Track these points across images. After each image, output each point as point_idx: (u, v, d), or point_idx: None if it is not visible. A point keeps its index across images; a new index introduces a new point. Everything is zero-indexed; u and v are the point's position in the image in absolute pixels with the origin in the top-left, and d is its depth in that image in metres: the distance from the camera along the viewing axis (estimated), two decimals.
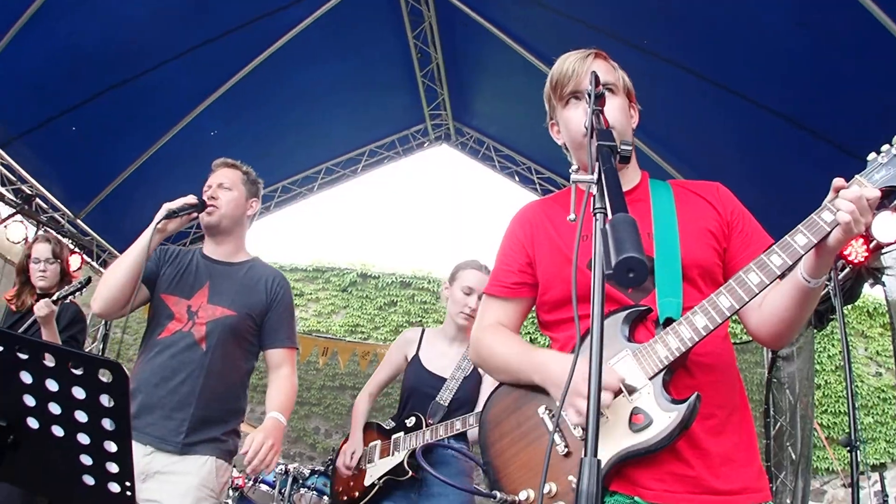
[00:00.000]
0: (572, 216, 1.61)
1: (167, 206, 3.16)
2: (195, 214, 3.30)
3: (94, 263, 8.46)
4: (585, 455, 1.27)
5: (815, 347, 9.54)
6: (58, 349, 1.61)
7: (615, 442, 1.83)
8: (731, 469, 1.91)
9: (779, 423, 7.99)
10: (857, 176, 1.80)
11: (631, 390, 1.85)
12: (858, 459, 5.03)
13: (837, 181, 1.77)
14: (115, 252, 8.66)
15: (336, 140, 9.21)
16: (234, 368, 3.34)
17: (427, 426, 3.93)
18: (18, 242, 6.87)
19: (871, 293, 10.67)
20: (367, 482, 4.03)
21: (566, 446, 1.92)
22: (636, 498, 1.88)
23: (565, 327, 2.15)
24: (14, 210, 5.40)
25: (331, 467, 6.96)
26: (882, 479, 6.22)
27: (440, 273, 14.41)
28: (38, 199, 7.27)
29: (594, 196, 1.46)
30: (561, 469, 1.90)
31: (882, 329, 12.49)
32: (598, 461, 1.26)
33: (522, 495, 1.96)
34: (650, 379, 1.86)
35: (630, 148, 1.55)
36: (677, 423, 1.78)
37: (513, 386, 2.16)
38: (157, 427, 3.05)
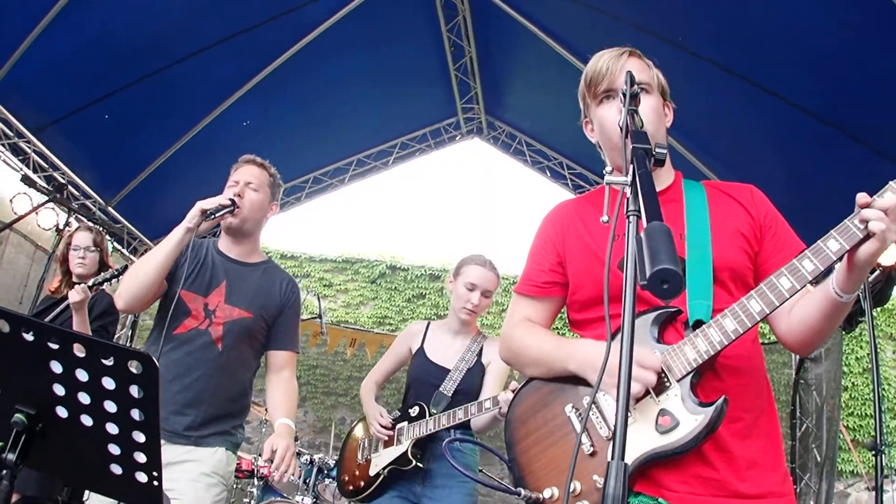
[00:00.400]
0: (605, 217, 1.60)
1: (201, 206, 3.15)
2: (228, 217, 3.30)
3: (124, 251, 8.55)
4: (613, 458, 1.26)
5: (843, 349, 9.41)
6: (88, 339, 1.63)
7: (641, 443, 1.82)
8: (757, 473, 1.89)
9: (805, 425, 7.92)
10: (891, 182, 1.75)
11: (663, 386, 1.84)
12: (884, 463, 4.96)
13: (861, 197, 1.72)
14: (146, 240, 8.76)
15: (368, 132, 9.22)
16: (246, 368, 3.41)
17: (430, 416, 3.94)
18: (49, 229, 6.95)
19: None
20: (372, 472, 4.06)
21: (592, 445, 1.92)
22: (660, 499, 1.87)
23: (595, 326, 2.15)
24: (47, 198, 5.46)
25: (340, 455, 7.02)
26: None
27: None
28: (69, 187, 7.35)
29: (627, 198, 1.45)
30: (586, 468, 1.89)
31: None
32: (626, 465, 1.26)
33: (547, 493, 1.96)
34: (678, 381, 1.85)
35: (665, 151, 1.54)
36: (704, 425, 1.77)
37: (541, 382, 2.17)
38: (169, 422, 3.07)
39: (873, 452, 4.91)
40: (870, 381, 11.79)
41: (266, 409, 8.06)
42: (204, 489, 3.11)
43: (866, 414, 11.69)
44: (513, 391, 3.54)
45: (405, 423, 4.05)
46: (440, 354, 4.14)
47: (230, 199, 3.27)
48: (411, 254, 14.84)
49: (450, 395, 3.98)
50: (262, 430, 8.56)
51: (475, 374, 4.05)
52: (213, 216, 3.18)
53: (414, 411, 4.03)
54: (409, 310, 13.64)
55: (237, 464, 6.85)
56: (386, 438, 4.10)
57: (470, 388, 3.99)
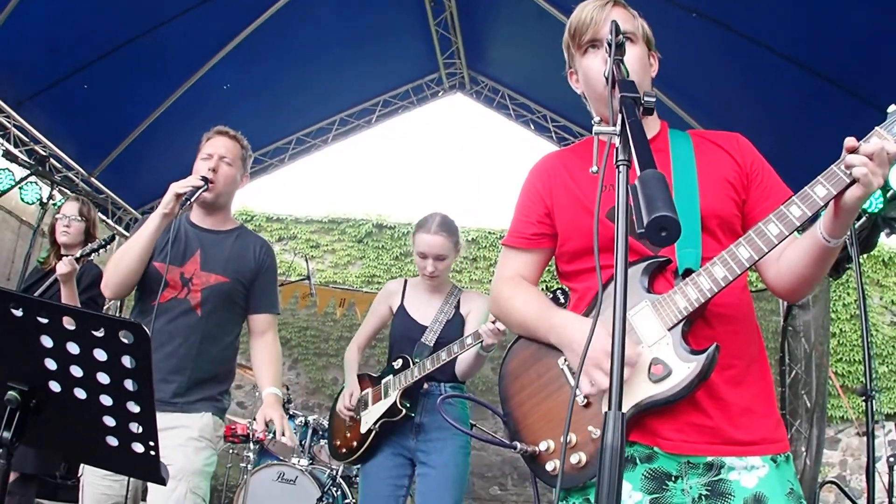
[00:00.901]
0: (595, 168, 1.59)
1: (175, 190, 3.19)
2: (204, 196, 3.33)
3: (109, 221, 8.49)
4: (610, 409, 1.27)
5: (830, 296, 9.47)
6: (78, 312, 1.62)
7: (635, 392, 1.83)
8: (750, 420, 1.91)
9: (794, 372, 7.99)
10: (877, 128, 1.76)
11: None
12: (874, 409, 5.01)
13: (849, 141, 1.73)
14: (130, 209, 8.69)
15: (350, 91, 9.12)
16: (227, 332, 3.46)
17: (414, 364, 4.00)
18: (34, 203, 6.89)
19: (886, 242, 10.57)
20: (363, 429, 4.09)
21: (585, 397, 1.92)
22: (655, 448, 1.89)
23: (584, 277, 2.15)
24: (28, 171, 5.41)
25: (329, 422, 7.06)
26: None
27: (457, 222, 14.25)
28: (51, 160, 7.26)
29: (616, 148, 1.44)
30: (581, 419, 1.91)
31: None
32: (623, 415, 1.26)
33: (542, 446, 1.98)
34: (669, 330, 1.86)
35: (654, 100, 1.52)
36: (696, 373, 1.78)
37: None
38: (156, 391, 3.10)
39: (863, 398, 4.96)
40: (857, 328, 11.89)
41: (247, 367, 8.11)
42: (193, 452, 3.16)
43: (855, 360, 11.79)
44: (492, 322, 3.60)
45: (390, 377, 4.10)
46: (420, 311, 4.21)
47: (203, 178, 3.31)
48: (398, 212, 14.78)
49: (431, 345, 4.05)
50: (256, 395, 8.60)
51: (455, 325, 4.13)
52: (188, 200, 3.22)
53: (398, 364, 4.09)
54: (398, 268, 13.62)
55: (233, 429, 6.89)
56: (349, 416, 4.16)
57: (451, 337, 4.02)
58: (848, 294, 12.10)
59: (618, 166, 1.39)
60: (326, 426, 6.79)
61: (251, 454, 6.43)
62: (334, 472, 6.29)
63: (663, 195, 1.21)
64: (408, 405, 3.98)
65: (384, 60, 8.84)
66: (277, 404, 3.31)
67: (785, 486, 1.89)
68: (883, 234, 6.06)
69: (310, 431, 6.70)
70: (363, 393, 4.21)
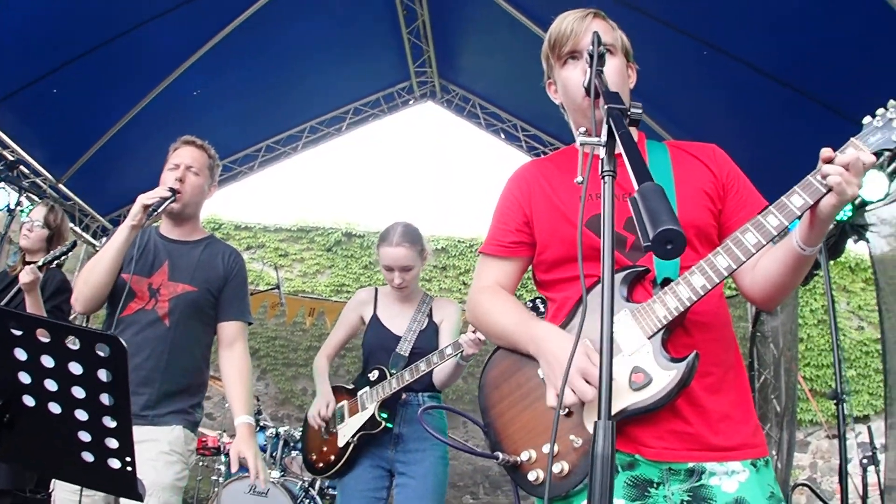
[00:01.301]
0: (580, 178, 1.60)
1: (142, 202, 3.16)
2: (171, 206, 3.31)
3: (77, 228, 8.36)
4: (599, 418, 1.27)
5: (798, 301, 9.61)
6: (53, 324, 1.58)
7: (616, 400, 1.83)
8: (729, 426, 1.94)
9: (763, 377, 8.07)
10: (852, 139, 1.80)
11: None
12: (845, 412, 5.09)
13: (825, 152, 1.76)
14: (98, 217, 8.57)
15: (320, 98, 9.08)
16: (197, 343, 3.42)
17: (391, 375, 3.96)
18: (1, 210, 6.78)
19: (852, 249, 10.74)
20: (340, 443, 4.03)
21: (566, 406, 1.92)
22: (637, 456, 1.90)
23: (563, 287, 2.16)
24: None
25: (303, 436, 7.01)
26: (870, 430, 6.31)
27: (426, 232, 14.20)
28: (20, 166, 7.13)
29: (602, 158, 1.44)
30: (562, 429, 1.91)
31: (864, 284, 12.59)
32: (613, 423, 1.26)
33: (524, 455, 1.97)
34: (649, 338, 1.87)
35: (640, 111, 1.53)
36: (677, 381, 1.80)
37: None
38: None
39: (835, 402, 5.03)
40: (824, 332, 12.07)
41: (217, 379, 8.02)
42: (163, 467, 3.12)
43: (822, 364, 11.98)
44: (473, 332, 3.59)
45: (366, 389, 4.05)
46: (393, 321, 4.18)
47: (170, 189, 3.28)
48: (367, 220, 14.73)
49: (406, 354, 4.02)
50: (226, 406, 8.51)
51: (429, 334, 4.10)
52: (155, 211, 3.19)
53: (374, 375, 4.04)
54: (367, 276, 13.59)
55: (203, 441, 6.81)
56: (321, 425, 4.11)
57: (425, 346, 4.01)
58: (815, 300, 12.28)
59: (603, 177, 1.39)
60: (298, 438, 6.75)
61: (222, 466, 6.37)
62: (306, 484, 6.24)
63: (666, 208, 1.22)
64: (385, 416, 3.94)
65: (355, 68, 8.79)
66: (251, 438, 3.26)
67: (765, 489, 1.91)
68: (850, 241, 6.15)
69: (280, 443, 6.64)
70: (339, 405, 4.15)
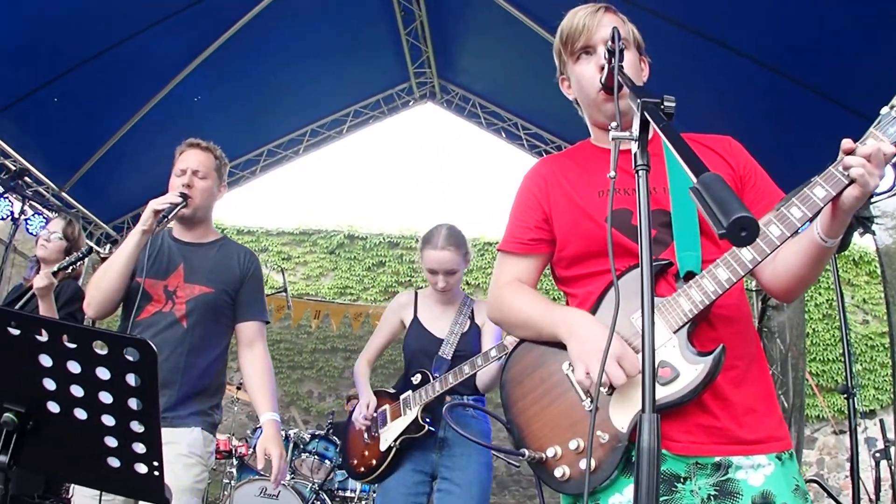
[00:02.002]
0: (612, 173, 1.58)
1: (153, 207, 3.16)
2: (182, 211, 3.32)
3: None
4: (644, 411, 1.27)
5: (804, 296, 9.60)
6: (80, 329, 1.58)
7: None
8: (755, 419, 1.93)
9: (770, 372, 8.05)
10: (871, 129, 1.78)
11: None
12: (855, 407, 5.07)
13: (846, 143, 1.75)
14: (102, 224, 8.57)
15: (320, 101, 9.08)
16: (215, 344, 3.42)
17: (434, 379, 3.92)
18: (6, 219, 6.78)
19: (856, 241, 10.75)
20: (382, 447, 3.99)
21: (592, 401, 1.91)
22: (664, 451, 1.88)
23: (584, 282, 2.14)
24: (1, 187, 5.33)
25: (331, 431, 7.00)
26: (882, 425, 6.29)
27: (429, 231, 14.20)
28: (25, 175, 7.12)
29: (634, 153, 1.43)
30: (588, 425, 1.89)
31: (868, 277, 12.60)
32: (658, 416, 1.26)
33: (550, 452, 1.96)
34: (675, 332, 1.86)
35: (674, 104, 1.52)
36: (704, 375, 1.80)
37: (533, 344, 2.16)
38: None
39: (845, 396, 5.01)
40: (830, 327, 12.06)
41: (237, 388, 8.02)
42: (182, 470, 3.12)
43: (828, 359, 11.97)
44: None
45: (409, 392, 4.00)
46: (434, 324, 4.13)
47: (181, 195, 3.29)
48: (369, 222, 14.76)
49: (449, 358, 3.97)
50: (234, 409, 8.51)
51: (471, 336, 4.05)
52: (166, 217, 3.20)
53: (416, 379, 3.99)
54: (370, 279, 13.60)
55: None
56: (365, 426, 4.08)
57: (468, 349, 3.97)
58: (820, 294, 12.27)
59: (637, 171, 1.38)
60: (307, 440, 6.75)
61: (233, 469, 6.36)
62: (316, 486, 6.24)
63: (733, 196, 1.21)
64: (429, 420, 3.90)
65: (355, 71, 8.81)
66: (278, 436, 3.29)
67: (791, 482, 1.90)
68: (856, 234, 6.13)
69: (290, 445, 6.63)
70: (381, 409, 4.11)
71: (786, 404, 7.62)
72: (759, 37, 5.37)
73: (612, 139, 1.57)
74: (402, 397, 4.03)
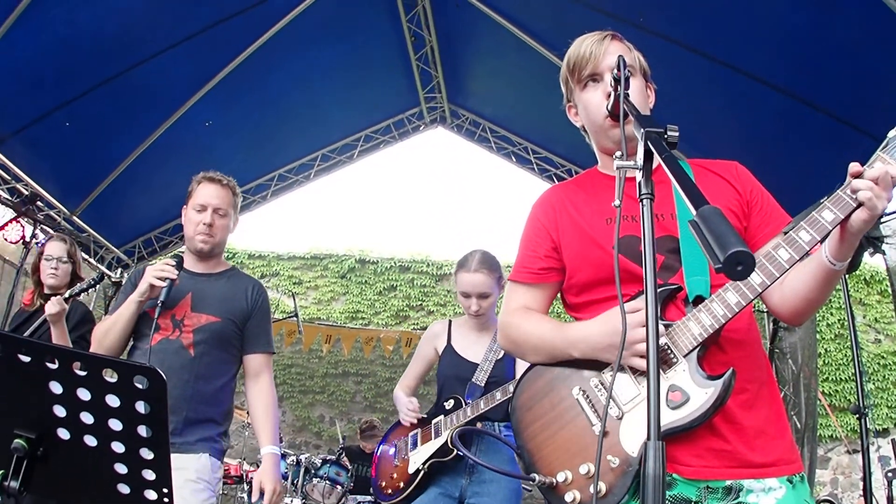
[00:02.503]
0: (617, 202, 1.59)
1: (150, 282, 3.25)
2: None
3: (91, 260, 8.41)
4: (649, 438, 1.27)
5: (815, 316, 9.58)
6: (90, 357, 1.59)
7: None
8: (765, 441, 1.92)
9: (782, 393, 8.00)
10: (879, 153, 1.79)
11: (669, 362, 1.88)
12: (867, 427, 5.04)
13: (853, 166, 1.76)
14: (112, 248, 8.62)
15: (331, 126, 9.15)
16: (223, 372, 3.46)
17: (466, 404, 3.91)
18: (17, 242, 6.83)
19: (866, 261, 10.73)
20: (411, 469, 3.99)
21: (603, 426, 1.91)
22: (675, 475, 1.89)
23: (594, 309, 2.14)
24: (13, 211, 5.38)
25: (342, 456, 6.98)
26: (895, 444, 6.24)
27: (439, 256, 14.37)
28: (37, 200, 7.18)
29: (639, 182, 1.44)
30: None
31: (879, 296, 12.55)
32: (663, 444, 1.26)
33: (560, 477, 1.95)
34: (685, 356, 1.87)
35: (677, 133, 1.53)
36: (714, 398, 1.80)
37: (544, 368, 2.16)
38: None
39: (857, 416, 4.99)
40: (842, 347, 12.00)
41: (247, 412, 8.02)
42: (191, 495, 3.12)
43: (840, 378, 11.91)
44: None
45: (441, 417, 4.01)
46: (468, 351, 4.13)
47: (175, 257, 3.39)
48: (380, 246, 14.81)
49: (482, 384, 3.96)
50: (246, 434, 8.51)
51: (506, 363, 4.03)
52: (164, 286, 3.28)
53: (449, 404, 4.00)
54: (381, 303, 13.61)
55: (226, 470, 6.80)
56: (414, 421, 4.10)
57: (501, 375, 3.97)
58: (831, 314, 12.22)
59: (641, 199, 1.39)
60: (318, 464, 6.73)
61: (244, 495, 6.35)
62: None
63: (731, 230, 1.23)
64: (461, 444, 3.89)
65: (365, 96, 8.87)
66: (273, 470, 3.34)
67: None
68: (866, 254, 6.11)
69: (302, 470, 6.62)
70: (412, 433, 4.12)
71: (798, 425, 7.57)
72: (768, 59, 5.39)
73: (617, 168, 1.58)
74: (433, 421, 4.04)
